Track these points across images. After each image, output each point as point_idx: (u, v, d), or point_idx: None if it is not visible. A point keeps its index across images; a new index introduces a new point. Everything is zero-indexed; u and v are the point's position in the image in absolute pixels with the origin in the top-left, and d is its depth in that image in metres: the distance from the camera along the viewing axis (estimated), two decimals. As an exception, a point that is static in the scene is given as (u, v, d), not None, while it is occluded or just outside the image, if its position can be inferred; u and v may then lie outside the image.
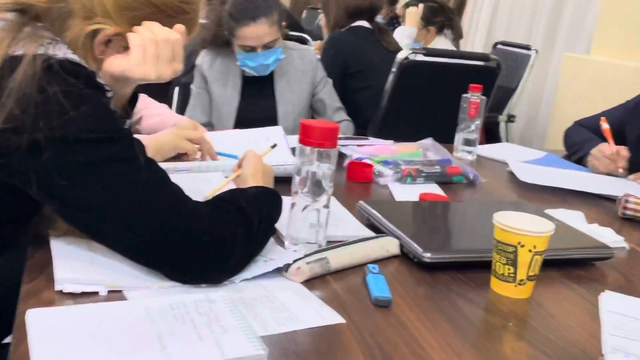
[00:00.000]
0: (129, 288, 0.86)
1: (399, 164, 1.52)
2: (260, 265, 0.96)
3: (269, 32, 2.04)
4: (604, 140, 1.84)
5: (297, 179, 1.03)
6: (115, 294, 0.86)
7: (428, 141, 1.71)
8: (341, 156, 1.62)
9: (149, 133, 1.46)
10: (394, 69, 2.41)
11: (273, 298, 0.88)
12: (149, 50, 0.91)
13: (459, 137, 1.87)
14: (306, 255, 0.97)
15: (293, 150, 1.24)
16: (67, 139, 0.83)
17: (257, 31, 2.03)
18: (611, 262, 1.17)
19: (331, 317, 0.86)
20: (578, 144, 1.96)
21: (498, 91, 3.06)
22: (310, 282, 0.95)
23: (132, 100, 1.03)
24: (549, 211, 1.33)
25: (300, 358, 0.76)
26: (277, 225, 1.07)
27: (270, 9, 2.04)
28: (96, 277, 0.86)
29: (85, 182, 0.84)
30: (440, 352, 0.81)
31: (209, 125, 2.17)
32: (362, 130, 2.36)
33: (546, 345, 0.86)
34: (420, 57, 2.45)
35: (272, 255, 0.99)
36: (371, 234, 1.13)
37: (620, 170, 1.78)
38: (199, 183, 1.25)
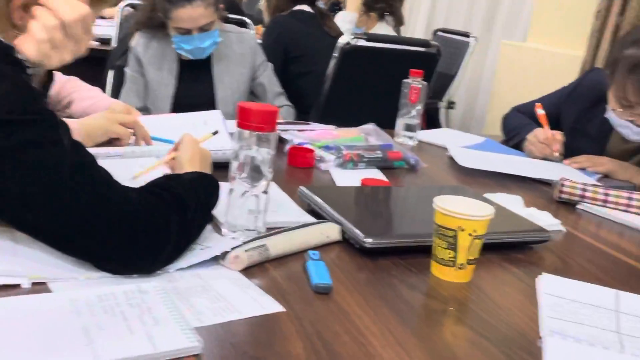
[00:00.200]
0: (53, 280, 0.81)
1: (340, 149, 1.51)
2: (196, 253, 0.92)
3: (204, 14, 1.99)
4: (540, 125, 1.87)
5: (235, 164, 0.99)
6: (39, 286, 0.80)
7: (370, 126, 1.70)
8: (282, 141, 1.59)
9: (81, 117, 1.39)
10: (335, 54, 2.38)
11: (209, 287, 0.85)
12: (52, 37, 0.85)
13: (400, 123, 1.87)
14: (244, 243, 0.94)
15: (232, 135, 1.20)
16: (-17, 121, 0.77)
17: (193, 13, 1.97)
18: (548, 245, 1.19)
19: (270, 305, 0.83)
20: (515, 129, 1.98)
21: (438, 78, 3.08)
22: (248, 270, 0.92)
23: (49, 77, 0.96)
24: (487, 195, 1.34)
25: (237, 349, 0.73)
26: (215, 212, 1.04)
27: (206, -10, 1.98)
28: (18, 269, 0.81)
29: (5, 167, 0.78)
30: (381, 338, 0.79)
31: (145, 110, 2.10)
32: (303, 116, 2.33)
33: (486, 329, 0.85)
34: (362, 43, 2.43)
35: (208, 243, 0.96)
36: (312, 220, 1.11)
37: (556, 155, 1.81)
38: (133, 169, 1.20)
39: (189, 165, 1.05)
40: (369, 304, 0.88)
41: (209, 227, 1.01)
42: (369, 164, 1.52)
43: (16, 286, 0.80)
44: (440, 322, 0.88)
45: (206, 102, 2.07)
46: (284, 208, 1.17)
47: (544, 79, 2.83)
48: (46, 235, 0.83)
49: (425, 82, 1.85)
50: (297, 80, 2.53)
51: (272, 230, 1.00)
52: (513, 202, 1.36)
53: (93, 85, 1.66)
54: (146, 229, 0.84)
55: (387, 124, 1.84)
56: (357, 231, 1.03)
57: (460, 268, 0.98)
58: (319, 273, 0.92)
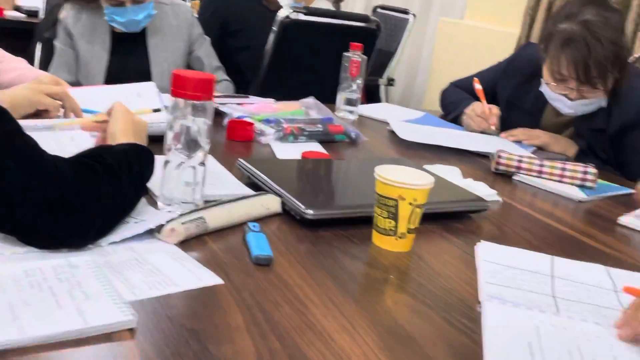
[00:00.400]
0: (-24, 256, 0.76)
1: (280, 123, 1.48)
2: (131, 226, 0.89)
3: (138, -15, 1.91)
4: (478, 99, 1.90)
5: (170, 135, 0.96)
6: (-40, 264, 0.76)
7: (310, 100, 1.68)
8: (221, 115, 1.56)
9: (6, 89, 1.32)
10: (274, 28, 2.34)
11: (144, 261, 0.82)
12: None
13: (340, 97, 1.86)
14: (181, 215, 0.91)
15: (167, 108, 1.16)
16: None
17: None
18: (486, 215, 1.21)
19: (208, 278, 0.81)
20: (453, 103, 2.01)
21: (378, 55, 3.08)
22: (186, 244, 0.90)
23: None
24: (427, 167, 1.35)
25: (174, 322, 0.71)
26: (150, 185, 1.00)
27: (138, -40, 1.91)
28: (-64, 246, 0.76)
29: None
30: (322, 307, 0.78)
31: (76, 85, 2.01)
32: (243, 91, 2.29)
33: (426, 296, 0.86)
34: (302, 17, 2.40)
35: (143, 217, 0.92)
36: (252, 192, 1.08)
37: (493, 128, 1.84)
38: (62, 142, 1.15)
39: (122, 135, 1.01)
40: (310, 274, 0.87)
41: (144, 201, 0.98)
42: (309, 138, 1.50)
43: None
44: (381, 291, 0.87)
45: (141, 76, 2.00)
46: (222, 181, 1.14)
47: (481, 56, 2.86)
48: (-33, 209, 0.78)
49: (365, 56, 1.84)
50: (235, 55, 2.48)
51: (210, 203, 0.98)
52: (451, 174, 1.37)
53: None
54: (76, 202, 0.80)
55: (328, 99, 1.82)
56: (298, 203, 1.02)
57: (400, 237, 0.98)
58: (259, 245, 0.90)
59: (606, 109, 1.74)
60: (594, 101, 1.71)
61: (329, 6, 3.32)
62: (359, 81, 1.83)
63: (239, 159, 1.19)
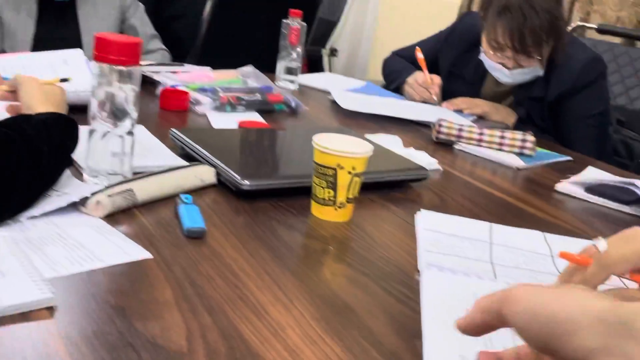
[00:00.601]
0: None
1: (217, 92, 1.43)
2: (53, 200, 0.83)
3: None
4: (420, 69, 1.89)
5: (95, 103, 0.91)
6: None
7: (248, 68, 1.63)
8: (154, 84, 1.50)
9: None
10: (212, -5, 2.27)
11: (67, 236, 0.77)
12: None
13: (280, 66, 1.81)
14: (107, 187, 0.86)
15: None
16: None
17: None
18: (426, 183, 1.20)
19: (136, 252, 0.76)
20: (394, 73, 1.99)
21: (320, 24, 3.03)
22: (113, 217, 0.85)
23: None
24: (368, 136, 1.33)
25: (98, 299, 0.67)
26: (75, 156, 0.95)
27: None
28: None
29: None
30: (258, 280, 0.75)
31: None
32: (180, 61, 2.21)
33: (365, 266, 0.84)
34: (240, -16, 2.33)
35: (67, 189, 0.87)
36: (185, 163, 1.04)
37: (435, 98, 1.84)
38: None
39: (40, 105, 0.94)
40: (245, 246, 0.84)
41: (68, 173, 0.92)
42: (248, 107, 1.46)
43: None
44: (319, 262, 0.85)
45: (71, 46, 1.89)
46: (154, 152, 1.09)
47: (425, 25, 2.85)
48: None
49: (304, 24, 1.80)
50: (171, 24, 2.39)
51: (140, 174, 0.93)
52: (392, 143, 1.36)
53: None
54: (-10, 174, 0.74)
55: (269, 69, 1.78)
56: (234, 173, 0.98)
57: (340, 207, 0.95)
58: (191, 217, 0.86)
59: (544, 78, 1.76)
60: (531, 70, 1.72)
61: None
62: (299, 49, 1.79)
63: (172, 128, 1.14)
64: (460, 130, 1.50)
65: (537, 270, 0.87)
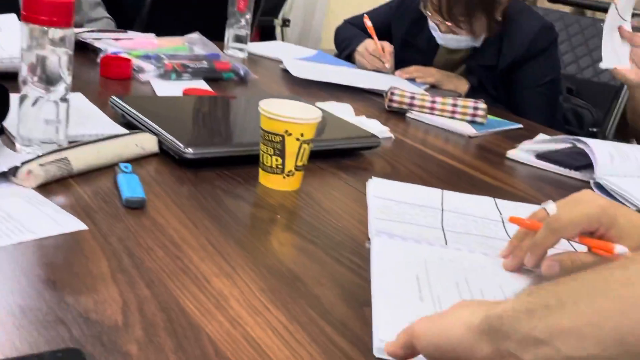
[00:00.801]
0: None
1: (161, 59, 1.38)
2: (-20, 170, 0.78)
3: None
4: (370, 37, 1.86)
5: (24, 67, 0.85)
6: None
7: (195, 35, 1.57)
8: (95, 51, 1.43)
9: None
10: (157, -39, 2.19)
11: (-6, 207, 0.72)
12: None
13: (229, 34, 1.76)
14: (40, 156, 0.81)
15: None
16: None
17: None
18: (378, 152, 1.17)
19: (70, 224, 0.72)
20: (346, 40, 1.96)
21: (272, -7, 2.97)
22: (47, 188, 0.80)
23: None
24: (319, 104, 1.30)
25: (28, 273, 0.62)
26: (6, 124, 0.89)
27: None
28: None
29: None
30: (201, 250, 0.72)
31: None
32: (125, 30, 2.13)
33: (314, 235, 0.81)
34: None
35: (-4, 159, 0.82)
36: (125, 132, 0.99)
37: (387, 66, 1.82)
38: None
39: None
40: (188, 217, 0.80)
41: (-2, 142, 0.87)
42: (194, 75, 1.40)
43: None
44: (266, 231, 0.82)
45: (7, 11, 1.81)
46: (93, 120, 1.04)
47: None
48: None
49: (254, -11, 1.75)
50: (115, -10, 2.30)
51: (76, 143, 0.88)
52: (344, 111, 1.33)
53: None
54: None
55: (217, 38, 1.72)
56: (177, 141, 0.94)
57: (288, 175, 0.92)
58: (130, 187, 0.82)
59: (496, 46, 1.75)
60: (465, 39, 1.73)
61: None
62: (248, 17, 1.74)
63: (112, 96, 1.08)
64: (412, 98, 1.48)
65: (489, 235, 0.86)
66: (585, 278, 0.42)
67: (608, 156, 1.18)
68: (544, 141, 1.32)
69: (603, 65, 1.44)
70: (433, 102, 1.47)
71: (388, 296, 0.66)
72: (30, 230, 0.69)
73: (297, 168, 0.92)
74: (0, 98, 0.86)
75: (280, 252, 0.77)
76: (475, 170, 1.19)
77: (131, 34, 1.61)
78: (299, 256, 0.76)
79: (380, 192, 0.96)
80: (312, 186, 0.96)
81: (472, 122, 1.46)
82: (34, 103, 0.85)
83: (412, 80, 1.77)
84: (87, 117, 1.03)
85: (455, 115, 1.46)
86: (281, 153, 0.91)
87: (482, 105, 1.47)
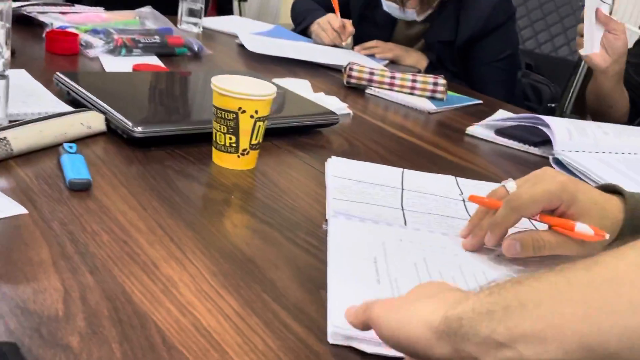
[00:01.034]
0: None
1: (110, 33, 1.32)
2: None
3: None
4: (328, 12, 1.82)
5: (-43, 41, 0.79)
6: None
7: (146, 9, 1.51)
8: (40, 26, 1.36)
9: None
10: None
11: None
12: None
13: (182, 7, 1.70)
14: (-25, 136, 0.76)
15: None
16: None
17: None
18: (336, 129, 1.15)
19: (8, 208, 0.68)
20: (303, 14, 1.92)
21: (229, -33, 2.89)
22: (-16, 170, 0.76)
23: None
24: (276, 80, 1.26)
25: (-41, 263, 0.58)
26: (-62, 103, 0.83)
27: None
28: None
29: None
30: (149, 234, 0.69)
31: None
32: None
33: (270, 216, 0.78)
34: None
35: None
36: (71, 110, 0.94)
37: (344, 43, 1.79)
38: None
39: None
40: (136, 198, 0.76)
41: None
42: (145, 51, 1.35)
43: None
44: (220, 213, 0.79)
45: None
46: (36, 98, 0.98)
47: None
48: None
49: (208, -39, 1.69)
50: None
51: (17, 122, 0.83)
52: (301, 87, 1.30)
53: None
54: None
55: (169, 12, 1.66)
56: (125, 119, 0.89)
57: (243, 154, 0.89)
58: (75, 168, 0.77)
59: (453, 21, 1.73)
60: (409, 13, 1.72)
61: None
62: (201, -12, 1.68)
63: (57, 72, 1.03)
64: (371, 74, 1.45)
65: (449, 215, 0.85)
66: (548, 279, 0.41)
67: (566, 132, 1.17)
68: (503, 118, 1.31)
69: (583, 52, 1.43)
70: (392, 77, 1.45)
71: (344, 280, 0.64)
72: (-36, 215, 0.64)
73: (252, 147, 0.89)
74: None
75: (233, 234, 0.74)
76: (435, 147, 1.17)
77: (79, 7, 1.53)
78: (253, 238, 0.73)
79: (340, 171, 0.93)
80: (268, 165, 0.93)
81: (431, 98, 1.44)
82: (-31, 80, 0.80)
83: (371, 56, 1.75)
84: (30, 94, 0.98)
85: (415, 91, 1.45)
86: (235, 131, 0.87)
87: (441, 81, 1.45)
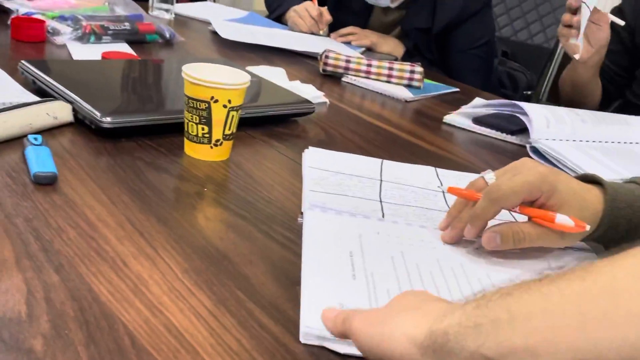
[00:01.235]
0: None
1: (79, 20, 1.28)
2: None
3: None
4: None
5: None
6: None
7: (116, -5, 1.47)
8: (7, 12, 1.32)
9: None
10: None
11: None
12: None
13: (154, -7, 1.66)
14: None
15: None
16: None
17: None
18: (312, 118, 1.13)
19: (-32, 204, 0.65)
20: (278, 0, 1.89)
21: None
22: (-57, 163, 0.72)
23: None
24: (250, 68, 1.24)
25: None
26: None
27: None
28: None
29: None
30: (118, 229, 0.66)
31: None
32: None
33: (244, 209, 0.76)
34: None
35: None
36: (36, 99, 0.91)
37: (321, 33, 1.76)
38: None
39: None
40: (105, 192, 0.73)
41: None
42: (115, 38, 1.31)
43: None
44: (192, 206, 0.76)
45: None
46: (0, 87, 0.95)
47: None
48: None
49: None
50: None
51: (-21, 113, 0.79)
52: (276, 75, 1.27)
53: None
54: None
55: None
56: (93, 109, 0.86)
57: (216, 145, 0.87)
58: (40, 160, 0.74)
59: (430, 9, 1.72)
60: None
61: None
62: (175, -25, 1.64)
63: (22, 60, 0.99)
64: (347, 62, 1.43)
65: (428, 207, 0.83)
66: (539, 290, 0.38)
67: (544, 120, 1.17)
68: (480, 106, 1.30)
69: (574, 41, 1.40)
70: (369, 65, 1.43)
71: (318, 277, 0.62)
72: None
73: (225, 137, 0.87)
74: None
75: (206, 228, 0.71)
76: (413, 136, 1.16)
77: (46, -7, 1.49)
78: (227, 233, 0.71)
79: (317, 162, 0.91)
80: (242, 156, 0.91)
81: (408, 86, 1.43)
82: None
83: (347, 43, 1.72)
84: (-7, 83, 0.94)
85: (392, 79, 1.43)
86: (207, 121, 0.85)
87: (418, 68, 1.44)
